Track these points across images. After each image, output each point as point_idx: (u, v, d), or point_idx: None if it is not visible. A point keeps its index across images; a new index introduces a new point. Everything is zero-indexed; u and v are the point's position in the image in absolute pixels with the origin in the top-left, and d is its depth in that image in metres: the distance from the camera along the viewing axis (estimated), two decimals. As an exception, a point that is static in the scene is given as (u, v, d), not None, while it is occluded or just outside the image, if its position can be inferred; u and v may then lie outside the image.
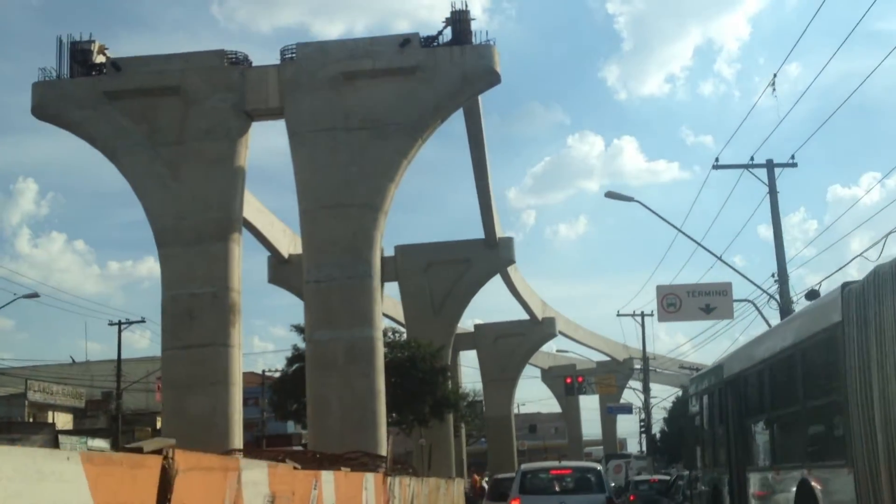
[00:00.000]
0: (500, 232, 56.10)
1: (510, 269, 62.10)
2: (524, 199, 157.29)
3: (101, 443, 43.68)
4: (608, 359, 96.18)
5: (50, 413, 54.01)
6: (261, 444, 46.83)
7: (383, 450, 28.94)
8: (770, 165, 22.13)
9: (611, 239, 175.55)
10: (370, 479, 11.47)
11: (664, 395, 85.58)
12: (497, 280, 61.27)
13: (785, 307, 21.21)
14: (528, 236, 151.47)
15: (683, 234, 22.06)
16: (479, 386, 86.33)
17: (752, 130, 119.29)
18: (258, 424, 73.98)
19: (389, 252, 57.44)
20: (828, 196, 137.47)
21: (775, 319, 21.70)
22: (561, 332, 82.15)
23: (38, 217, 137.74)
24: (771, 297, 21.59)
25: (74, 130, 30.40)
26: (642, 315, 50.15)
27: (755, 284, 21.75)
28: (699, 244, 22.23)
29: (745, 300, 22.65)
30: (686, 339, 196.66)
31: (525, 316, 76.23)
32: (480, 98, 44.55)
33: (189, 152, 29.72)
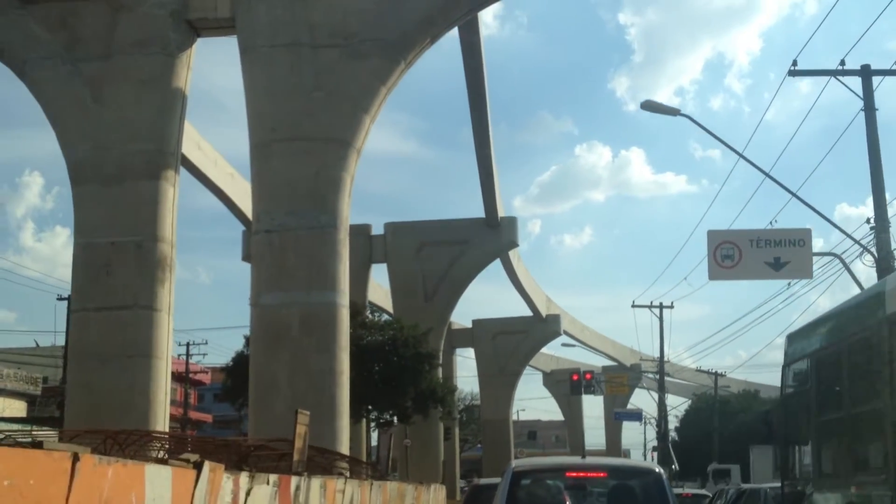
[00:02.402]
0: (503, 211, 50.29)
1: (513, 258, 56.35)
2: (530, 207, 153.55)
3: (47, 432, 38.15)
4: (615, 363, 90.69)
5: (-1, 399, 48.10)
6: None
7: (345, 446, 23.10)
8: (866, 72, 16.35)
9: (616, 251, 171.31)
10: (203, 480, 5.54)
11: (674, 404, 79.91)
12: (499, 277, 55.92)
13: (884, 262, 15.34)
14: (532, 245, 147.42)
15: (743, 157, 16.21)
16: (476, 389, 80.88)
17: (763, 145, 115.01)
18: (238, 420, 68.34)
19: (379, 230, 51.82)
20: (835, 215, 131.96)
21: (869, 280, 15.82)
22: (566, 332, 76.33)
23: (42, 211, 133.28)
24: (865, 248, 15.68)
25: (-23, 39, 24.62)
26: (661, 306, 44.52)
27: (844, 232, 15.93)
28: (767, 174, 16.37)
29: (829, 254, 16.79)
30: (690, 348, 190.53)
31: (528, 312, 70.51)
32: (488, 101, 39.05)
33: (116, 69, 23.88)
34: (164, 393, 23.19)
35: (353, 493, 12.16)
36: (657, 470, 9.24)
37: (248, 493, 7.48)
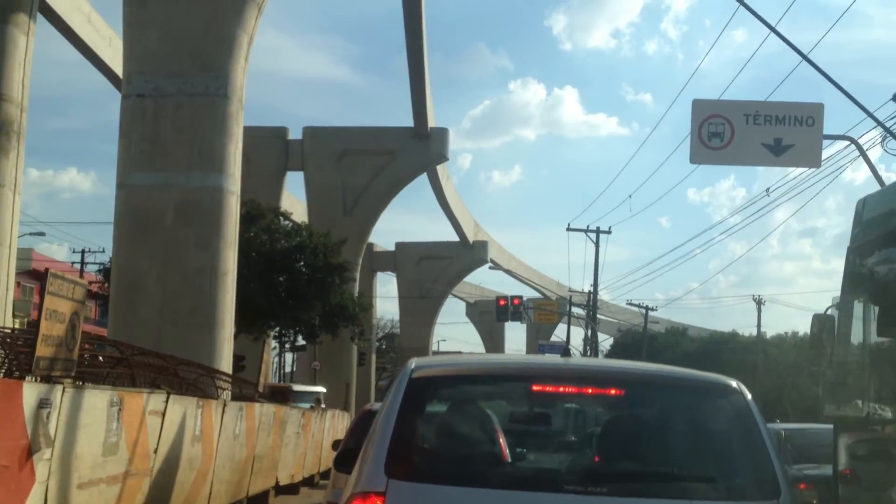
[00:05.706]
0: (433, 122, 46.20)
1: (441, 175, 52.51)
2: (461, 142, 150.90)
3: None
4: (541, 297, 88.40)
5: None
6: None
7: (226, 361, 19.22)
8: None
9: (544, 190, 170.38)
10: None
11: (598, 341, 77.97)
12: (426, 206, 52.25)
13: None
14: (462, 180, 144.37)
15: (746, 7, 12.40)
16: (397, 318, 77.88)
17: (695, 93, 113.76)
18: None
19: (297, 135, 47.34)
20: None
21: (891, 173, 12.17)
22: (492, 261, 73.03)
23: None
24: (889, 132, 12.18)
25: None
26: (598, 231, 41.33)
27: (865, 111, 12.32)
28: (772, 29, 12.62)
29: (843, 137, 13.29)
30: (609, 285, 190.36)
31: (454, 237, 67.03)
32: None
33: None
34: (5, 288, 18.84)
35: (187, 415, 8.30)
36: (734, 385, 4.25)
37: None
